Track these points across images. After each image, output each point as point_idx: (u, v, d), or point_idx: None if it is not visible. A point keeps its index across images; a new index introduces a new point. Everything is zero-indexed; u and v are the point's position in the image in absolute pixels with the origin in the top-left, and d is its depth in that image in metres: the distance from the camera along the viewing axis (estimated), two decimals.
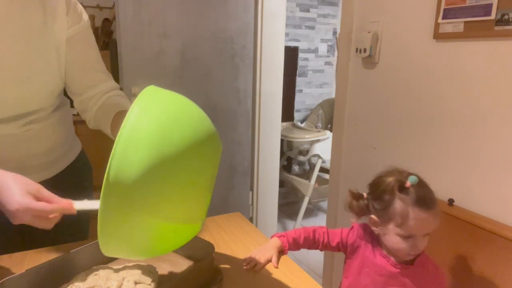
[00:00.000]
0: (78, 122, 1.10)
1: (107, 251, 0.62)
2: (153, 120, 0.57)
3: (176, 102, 0.64)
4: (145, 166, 0.53)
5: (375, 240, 0.99)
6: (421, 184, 0.89)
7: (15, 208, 0.63)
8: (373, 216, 0.95)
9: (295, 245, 1.01)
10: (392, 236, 0.91)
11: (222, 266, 0.86)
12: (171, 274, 0.81)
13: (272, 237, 1.00)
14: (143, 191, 0.55)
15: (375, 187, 0.95)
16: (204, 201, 0.66)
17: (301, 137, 2.89)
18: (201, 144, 0.61)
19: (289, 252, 0.99)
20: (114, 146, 0.54)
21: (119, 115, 0.87)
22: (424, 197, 0.88)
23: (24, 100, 0.87)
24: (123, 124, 0.55)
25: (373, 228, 0.96)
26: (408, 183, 0.88)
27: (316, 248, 1.05)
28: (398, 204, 0.88)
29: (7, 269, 0.82)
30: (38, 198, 0.66)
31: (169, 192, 0.57)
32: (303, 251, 1.07)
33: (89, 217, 1.16)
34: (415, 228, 0.87)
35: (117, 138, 0.54)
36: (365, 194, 0.98)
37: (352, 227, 1.03)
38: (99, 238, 0.58)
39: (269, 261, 0.90)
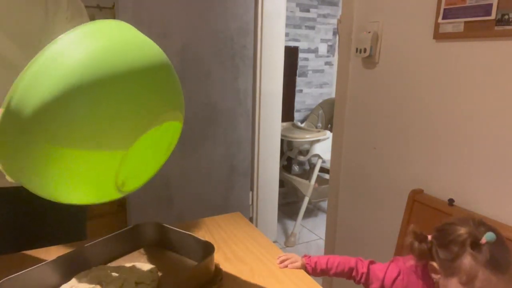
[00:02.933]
0: None
1: (12, 177, 0.56)
2: (82, 46, 0.52)
3: (123, 34, 0.58)
4: (52, 95, 0.49)
5: (427, 283, 0.88)
6: (498, 243, 0.78)
7: None
8: (434, 264, 0.84)
9: (322, 274, 0.97)
10: None
11: (222, 266, 0.86)
12: (171, 274, 0.81)
13: (303, 257, 0.98)
14: (46, 120, 0.49)
15: (444, 234, 0.83)
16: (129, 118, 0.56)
17: (301, 137, 2.89)
18: (127, 81, 0.53)
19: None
20: (26, 66, 0.50)
21: None
22: (499, 259, 0.76)
23: None
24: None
25: (432, 274, 0.86)
26: (484, 240, 0.77)
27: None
28: (467, 261, 0.77)
29: (7, 269, 0.82)
30: None
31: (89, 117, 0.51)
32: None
33: (86, 217, 1.17)
34: None
35: (32, 60, 0.50)
36: (429, 237, 0.87)
37: (398, 270, 0.93)
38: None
39: (296, 267, 0.90)
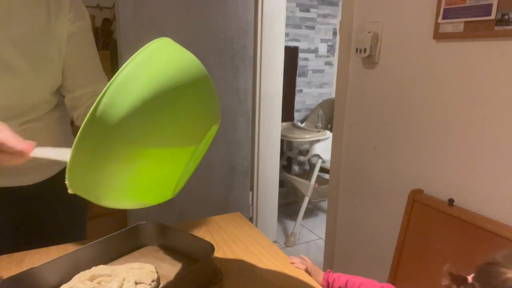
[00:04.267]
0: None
1: (72, 187, 0.58)
2: (155, 64, 0.58)
3: (179, 51, 0.66)
4: (139, 99, 0.54)
5: None
6: None
7: None
8: None
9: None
10: None
11: (222, 266, 0.86)
12: (171, 274, 0.81)
13: (326, 272, 0.97)
14: (132, 123, 0.54)
15: (489, 277, 0.73)
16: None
17: (301, 137, 2.89)
18: (197, 87, 0.62)
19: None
20: (109, 82, 0.54)
21: None
22: None
23: (21, 92, 0.87)
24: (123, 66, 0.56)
25: None
26: None
27: None
28: None
29: (7, 269, 0.82)
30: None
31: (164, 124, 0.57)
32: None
33: (86, 217, 1.17)
34: None
35: (114, 76, 0.54)
36: (470, 278, 0.76)
37: None
38: (67, 173, 0.56)
39: (307, 272, 0.89)
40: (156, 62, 0.58)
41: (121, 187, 0.60)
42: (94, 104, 0.52)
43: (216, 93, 0.71)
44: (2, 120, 0.85)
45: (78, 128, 0.54)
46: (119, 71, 0.54)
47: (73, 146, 0.53)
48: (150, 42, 0.61)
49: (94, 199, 0.62)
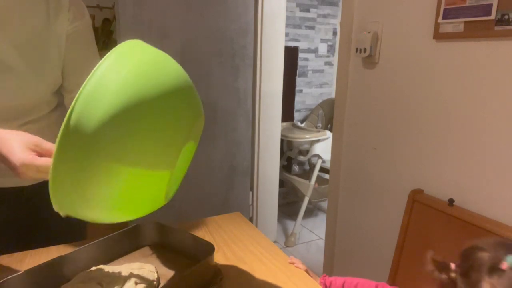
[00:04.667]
0: None
1: (61, 207, 0.59)
2: (124, 69, 0.55)
3: (154, 53, 0.62)
4: (116, 109, 0.52)
5: None
6: None
7: (19, 164, 0.62)
8: None
9: None
10: None
11: (222, 266, 0.86)
12: (171, 274, 0.81)
13: (322, 276, 0.96)
14: (110, 136, 0.53)
15: (466, 258, 0.75)
16: (169, 143, 0.61)
17: (301, 137, 2.89)
18: (170, 97, 0.58)
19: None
20: (78, 92, 0.52)
21: None
22: None
23: (21, 92, 0.87)
24: (93, 70, 0.54)
25: None
26: (504, 264, 0.67)
27: None
28: None
29: (7, 269, 0.82)
30: (40, 152, 0.65)
31: (136, 139, 0.55)
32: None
33: None
34: None
35: (82, 85, 0.53)
36: (453, 265, 0.77)
37: None
38: (51, 195, 0.55)
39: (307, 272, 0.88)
40: (124, 69, 0.56)
41: (108, 205, 0.59)
42: (68, 113, 0.51)
43: (194, 94, 0.66)
44: (1, 121, 0.86)
45: None
46: (88, 77, 0.53)
47: (52, 158, 0.52)
48: (117, 45, 0.58)
49: (85, 217, 0.61)
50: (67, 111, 1.05)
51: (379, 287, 0.92)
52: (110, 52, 0.57)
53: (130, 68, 0.56)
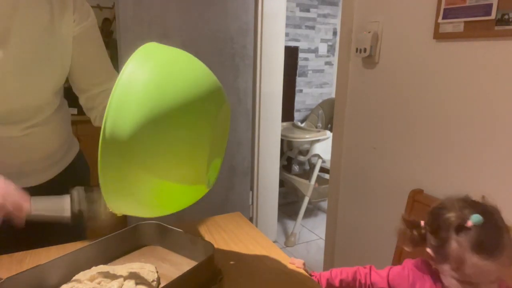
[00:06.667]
0: (78, 122, 1.10)
1: (116, 209, 0.63)
2: (148, 75, 0.56)
3: (174, 56, 0.63)
4: (139, 122, 0.54)
5: (436, 275, 0.84)
6: (487, 225, 0.73)
7: None
8: (428, 250, 0.81)
9: (329, 286, 0.96)
10: (448, 279, 0.77)
11: (222, 266, 0.86)
12: (171, 274, 0.81)
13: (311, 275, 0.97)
14: (139, 147, 0.55)
15: (434, 218, 0.80)
16: (204, 162, 0.63)
17: (301, 137, 2.89)
18: (200, 100, 0.59)
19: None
20: (108, 102, 0.54)
21: None
22: (485, 241, 0.71)
23: (24, 93, 0.87)
24: (117, 79, 0.55)
25: (431, 262, 0.83)
26: (469, 223, 0.72)
27: None
28: (453, 246, 0.74)
29: (7, 269, 0.82)
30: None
31: (164, 149, 0.57)
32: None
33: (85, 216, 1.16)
34: (474, 276, 0.73)
35: (111, 95, 0.54)
36: (422, 223, 0.83)
37: (403, 266, 0.90)
38: (104, 196, 0.59)
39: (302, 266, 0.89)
40: (148, 73, 0.57)
41: (154, 203, 0.63)
42: (103, 123, 0.54)
43: (225, 101, 0.67)
44: (5, 125, 0.85)
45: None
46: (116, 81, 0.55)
47: (99, 165, 0.55)
48: (139, 49, 0.60)
49: (137, 215, 0.65)
50: (68, 112, 1.05)
51: (359, 270, 0.96)
52: (133, 55, 0.58)
53: (148, 79, 0.57)
